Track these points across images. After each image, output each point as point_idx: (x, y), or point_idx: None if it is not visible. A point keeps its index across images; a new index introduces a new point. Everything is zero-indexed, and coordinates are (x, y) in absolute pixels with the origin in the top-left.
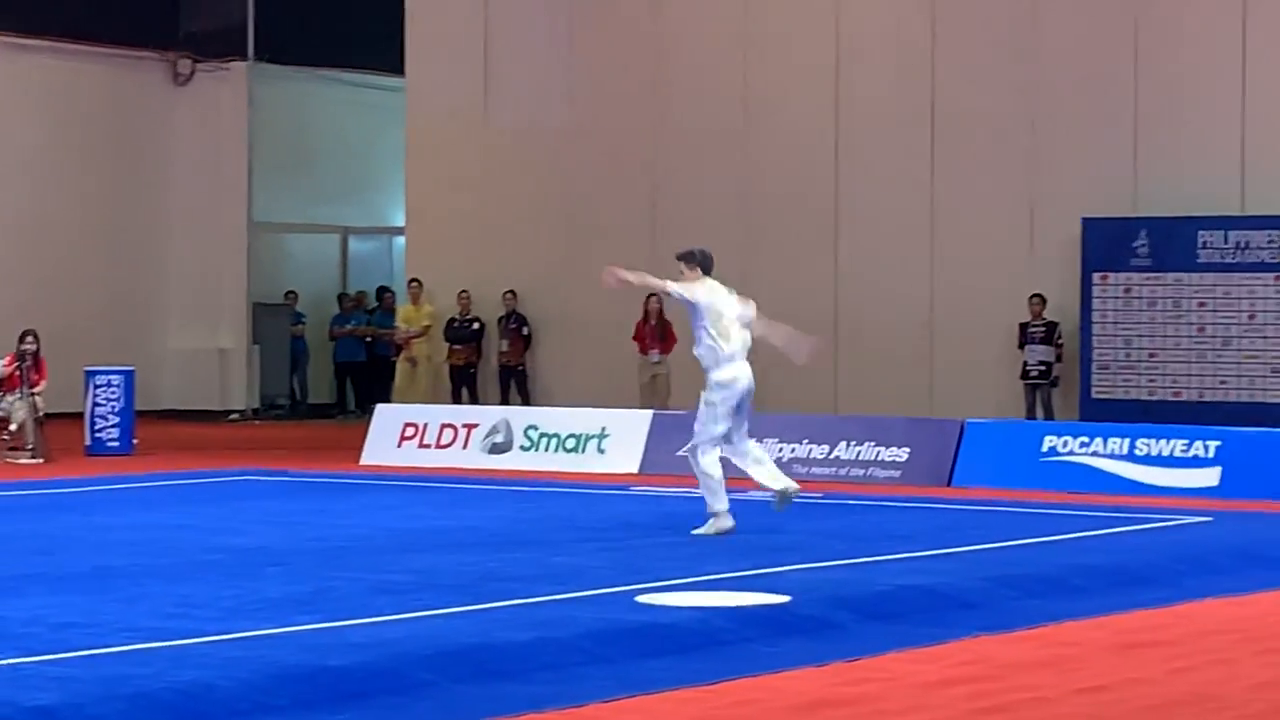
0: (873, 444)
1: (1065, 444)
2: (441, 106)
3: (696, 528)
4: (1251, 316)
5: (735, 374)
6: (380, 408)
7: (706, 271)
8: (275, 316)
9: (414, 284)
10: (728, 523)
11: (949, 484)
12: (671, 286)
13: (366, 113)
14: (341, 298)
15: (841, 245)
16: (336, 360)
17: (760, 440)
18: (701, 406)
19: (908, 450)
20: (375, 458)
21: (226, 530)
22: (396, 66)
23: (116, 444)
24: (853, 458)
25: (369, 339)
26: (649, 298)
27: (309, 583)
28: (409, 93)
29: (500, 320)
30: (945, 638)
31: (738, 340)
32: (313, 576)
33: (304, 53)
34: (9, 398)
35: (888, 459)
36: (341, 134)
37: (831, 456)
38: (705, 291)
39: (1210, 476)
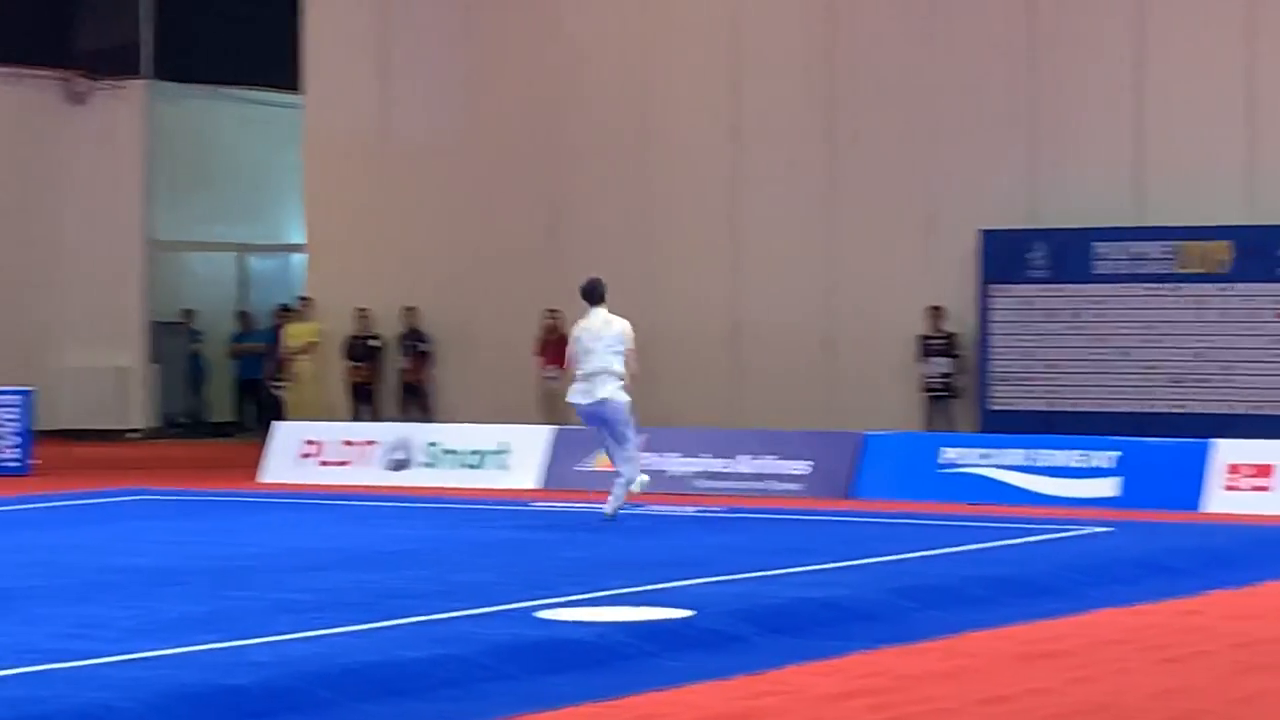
0: (773, 457)
1: (964, 455)
2: (339, 123)
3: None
4: (1148, 327)
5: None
6: (279, 425)
7: (589, 301)
8: (174, 334)
9: (304, 300)
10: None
11: (849, 496)
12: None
13: (265, 130)
14: (242, 314)
15: (740, 259)
16: (240, 377)
17: (661, 454)
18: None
19: (808, 463)
20: (275, 475)
21: (125, 550)
22: (294, 84)
23: (15, 464)
24: (753, 471)
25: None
26: (545, 314)
27: (208, 602)
28: (307, 110)
29: (400, 337)
30: (847, 650)
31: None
32: (212, 596)
33: (202, 71)
34: None
35: (788, 472)
36: (240, 151)
37: (732, 470)
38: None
39: (1110, 487)
